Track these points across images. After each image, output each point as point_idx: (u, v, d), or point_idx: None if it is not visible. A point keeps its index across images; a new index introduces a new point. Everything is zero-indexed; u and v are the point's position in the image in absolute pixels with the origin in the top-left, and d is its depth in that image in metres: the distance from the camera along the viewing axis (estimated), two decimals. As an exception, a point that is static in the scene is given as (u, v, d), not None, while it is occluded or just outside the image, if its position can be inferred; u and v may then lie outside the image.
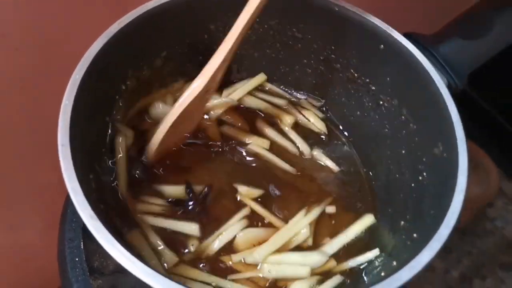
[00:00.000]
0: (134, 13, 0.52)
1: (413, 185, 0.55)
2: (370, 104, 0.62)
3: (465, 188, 0.43)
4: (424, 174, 0.53)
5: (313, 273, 0.53)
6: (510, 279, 1.40)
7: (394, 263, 0.42)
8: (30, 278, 0.97)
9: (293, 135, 0.66)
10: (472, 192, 1.37)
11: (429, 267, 0.39)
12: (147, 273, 0.37)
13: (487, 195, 1.38)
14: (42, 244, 0.81)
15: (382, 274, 0.49)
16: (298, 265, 0.53)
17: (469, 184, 0.43)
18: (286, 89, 0.70)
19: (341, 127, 0.68)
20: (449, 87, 0.54)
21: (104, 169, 0.54)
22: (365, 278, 0.53)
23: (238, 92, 0.67)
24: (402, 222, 0.54)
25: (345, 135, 0.68)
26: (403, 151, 0.58)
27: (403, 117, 0.57)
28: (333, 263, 0.54)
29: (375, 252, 0.54)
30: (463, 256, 1.42)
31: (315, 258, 0.54)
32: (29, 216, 0.88)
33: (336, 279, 0.53)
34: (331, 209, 0.60)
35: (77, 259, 0.58)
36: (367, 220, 0.58)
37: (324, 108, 0.69)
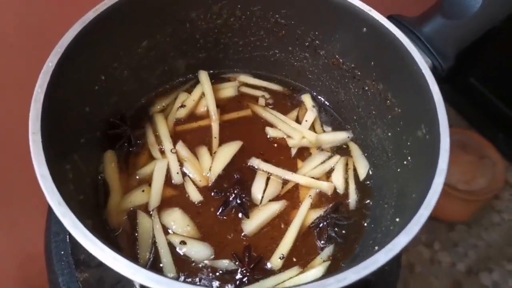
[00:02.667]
0: (111, 0, 0.50)
1: (399, 170, 0.54)
2: (356, 90, 0.61)
3: (446, 169, 0.42)
4: (409, 158, 0.51)
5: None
6: (518, 272, 1.37)
7: (376, 247, 0.41)
8: (34, 277, 0.97)
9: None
10: (478, 184, 1.35)
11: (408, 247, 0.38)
12: (115, 259, 0.36)
13: (493, 187, 1.35)
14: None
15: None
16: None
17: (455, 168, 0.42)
18: (272, 76, 0.69)
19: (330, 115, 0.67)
20: (434, 68, 0.53)
21: (85, 160, 0.53)
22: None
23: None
24: (387, 207, 0.53)
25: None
26: (389, 137, 0.56)
27: (388, 101, 0.55)
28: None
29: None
30: (469, 249, 1.39)
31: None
32: (30, 214, 0.88)
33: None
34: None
35: (62, 252, 0.58)
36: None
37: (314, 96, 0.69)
